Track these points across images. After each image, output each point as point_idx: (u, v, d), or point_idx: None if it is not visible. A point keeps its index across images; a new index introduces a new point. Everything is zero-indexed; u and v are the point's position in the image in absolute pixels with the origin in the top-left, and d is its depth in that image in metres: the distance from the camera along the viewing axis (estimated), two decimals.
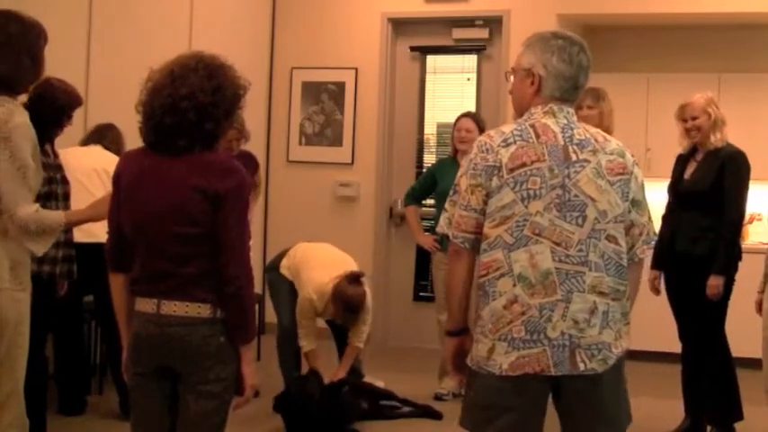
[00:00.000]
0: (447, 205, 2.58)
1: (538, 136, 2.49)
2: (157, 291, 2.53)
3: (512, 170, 2.45)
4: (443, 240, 5.42)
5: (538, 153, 2.47)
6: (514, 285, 2.44)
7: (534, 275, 2.43)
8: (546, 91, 2.56)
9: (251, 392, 2.63)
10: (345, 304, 4.82)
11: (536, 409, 2.52)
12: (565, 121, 2.54)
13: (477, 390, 2.54)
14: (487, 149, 2.50)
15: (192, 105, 2.49)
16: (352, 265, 5.05)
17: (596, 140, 2.54)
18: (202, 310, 2.51)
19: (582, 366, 2.45)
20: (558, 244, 2.44)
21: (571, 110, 2.59)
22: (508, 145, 2.48)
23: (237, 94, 2.60)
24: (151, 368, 2.58)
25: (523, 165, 2.46)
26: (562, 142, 2.50)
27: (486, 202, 2.47)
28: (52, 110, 4.07)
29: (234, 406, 2.62)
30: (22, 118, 3.06)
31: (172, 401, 2.60)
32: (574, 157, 2.48)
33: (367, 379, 5.31)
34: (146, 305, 2.55)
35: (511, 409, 2.47)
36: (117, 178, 2.63)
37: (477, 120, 5.49)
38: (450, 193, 2.57)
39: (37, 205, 3.11)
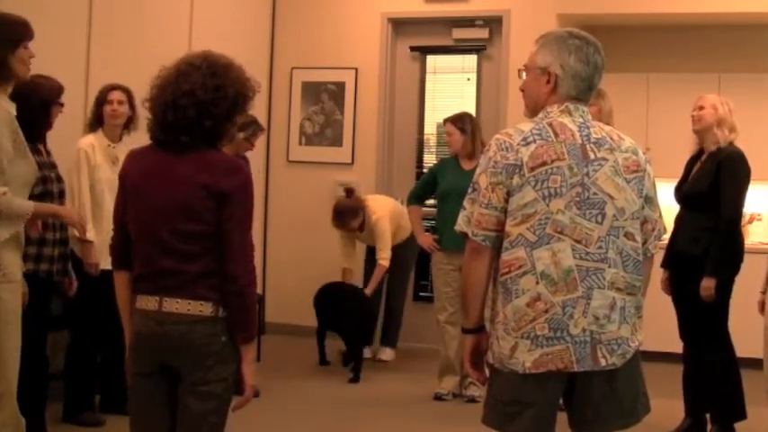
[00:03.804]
0: (465, 203, 2.57)
1: (557, 135, 2.50)
2: (160, 288, 2.52)
3: (533, 168, 2.46)
4: (442, 240, 5.44)
5: (557, 152, 2.48)
6: (537, 283, 2.45)
7: (557, 273, 2.45)
8: (562, 90, 2.57)
9: (251, 392, 2.63)
10: (333, 211, 6.20)
11: (554, 402, 2.56)
12: (581, 120, 2.56)
13: (500, 387, 2.56)
14: (507, 148, 2.50)
15: (192, 102, 2.50)
16: (391, 204, 6.43)
17: (612, 139, 2.56)
18: (204, 309, 2.51)
19: (603, 362, 2.48)
20: (578, 241, 2.46)
21: (586, 109, 2.61)
22: (528, 144, 2.49)
23: (242, 95, 2.59)
24: (152, 367, 2.57)
25: (544, 163, 2.47)
26: (580, 141, 2.51)
27: (507, 200, 2.47)
28: (38, 105, 4.03)
29: (234, 406, 2.62)
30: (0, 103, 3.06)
31: (171, 402, 2.59)
32: (592, 156, 2.50)
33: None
34: (147, 303, 2.55)
35: (532, 404, 2.50)
36: (123, 177, 2.63)
37: (455, 123, 5.53)
38: (469, 191, 2.56)
39: (5, 188, 3.06)
